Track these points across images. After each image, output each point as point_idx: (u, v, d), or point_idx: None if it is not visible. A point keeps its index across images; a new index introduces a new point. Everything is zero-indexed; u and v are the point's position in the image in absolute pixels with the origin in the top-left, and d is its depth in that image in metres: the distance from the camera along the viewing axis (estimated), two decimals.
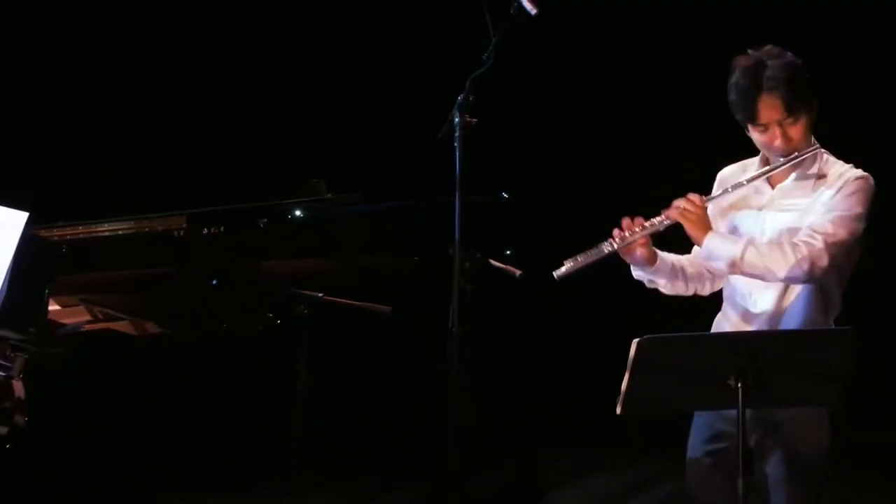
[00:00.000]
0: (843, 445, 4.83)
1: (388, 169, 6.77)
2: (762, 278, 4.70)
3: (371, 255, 5.90)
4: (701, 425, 4.88)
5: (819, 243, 4.59)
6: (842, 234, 4.63)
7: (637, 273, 4.92)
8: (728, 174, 4.96)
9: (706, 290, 5.00)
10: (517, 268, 5.87)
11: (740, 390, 4.37)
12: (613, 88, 8.44)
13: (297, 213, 5.82)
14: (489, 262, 5.81)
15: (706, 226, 4.72)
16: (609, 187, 6.76)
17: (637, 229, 4.77)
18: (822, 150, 4.78)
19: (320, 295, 5.44)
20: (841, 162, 4.78)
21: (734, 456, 4.60)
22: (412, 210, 5.86)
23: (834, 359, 4.41)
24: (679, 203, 4.74)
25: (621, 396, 4.39)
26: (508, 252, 5.90)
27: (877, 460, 7.62)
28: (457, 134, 5.20)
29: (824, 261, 4.59)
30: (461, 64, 5.26)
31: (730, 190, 4.81)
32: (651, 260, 4.86)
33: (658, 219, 4.77)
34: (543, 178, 5.17)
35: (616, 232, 4.79)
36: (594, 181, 5.18)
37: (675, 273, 4.93)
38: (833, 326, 4.79)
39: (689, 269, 4.95)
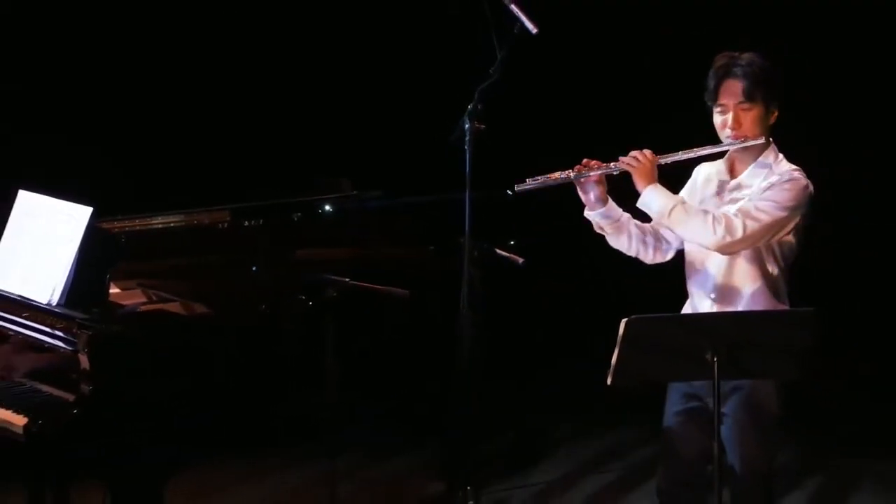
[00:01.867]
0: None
1: (407, 168, 6.80)
2: (682, 236, 4.79)
3: (391, 245, 5.96)
4: (675, 389, 4.95)
5: (738, 219, 4.65)
6: (762, 218, 4.67)
7: (588, 213, 4.93)
8: (702, 170, 4.97)
9: (648, 257, 5.01)
10: (520, 256, 5.95)
11: (715, 364, 4.41)
12: (611, 91, 8.51)
13: (327, 207, 5.86)
14: (495, 251, 5.89)
15: (650, 178, 4.74)
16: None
17: (594, 166, 4.82)
18: (775, 150, 4.81)
19: (347, 280, 5.44)
20: (789, 164, 4.81)
21: (704, 414, 4.75)
22: (427, 205, 5.92)
23: (797, 337, 4.47)
24: (634, 152, 4.78)
25: (611, 369, 4.42)
26: (512, 242, 5.96)
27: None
28: (467, 138, 5.26)
29: (736, 235, 4.64)
30: (471, 76, 5.31)
31: (680, 156, 4.79)
32: (602, 200, 4.88)
33: (613, 163, 4.81)
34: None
35: (576, 167, 4.84)
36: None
37: (622, 226, 4.93)
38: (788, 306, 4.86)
39: (635, 230, 4.95)
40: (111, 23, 8.09)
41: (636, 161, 4.76)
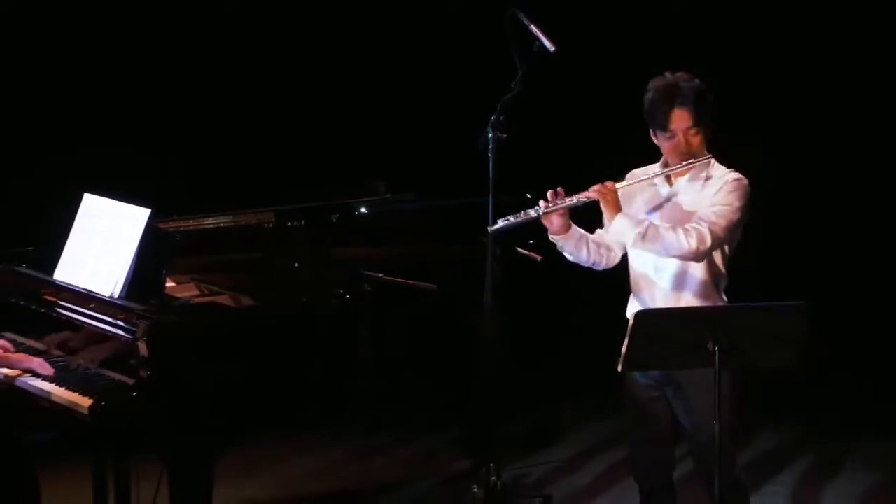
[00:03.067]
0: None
1: (436, 173, 6.80)
2: (658, 253, 4.80)
3: (420, 244, 5.95)
4: (634, 382, 4.99)
5: (704, 229, 4.71)
6: (722, 222, 4.75)
7: (552, 238, 4.96)
8: (636, 173, 5.01)
9: (601, 266, 5.05)
10: (538, 254, 5.96)
11: (716, 353, 4.43)
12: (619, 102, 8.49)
13: (362, 209, 5.88)
14: (516, 249, 5.89)
15: (617, 206, 4.80)
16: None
17: (559, 201, 4.84)
18: (712, 159, 4.86)
19: (380, 275, 5.46)
20: (724, 167, 4.88)
21: (662, 399, 4.92)
22: (454, 207, 5.91)
23: (792, 327, 4.48)
24: (596, 186, 4.81)
25: (622, 357, 4.44)
26: (531, 241, 5.97)
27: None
28: (490, 146, 5.29)
29: (707, 243, 4.71)
30: (495, 90, 5.34)
31: (639, 180, 4.89)
32: (565, 228, 4.92)
33: (578, 196, 4.83)
34: (559, 179, 5.21)
35: (542, 202, 4.85)
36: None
37: (581, 244, 4.98)
38: (723, 295, 4.93)
39: (592, 244, 5.00)
40: (171, 39, 8.15)
41: (602, 192, 4.80)
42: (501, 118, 5.29)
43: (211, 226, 5.65)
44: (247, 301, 5.30)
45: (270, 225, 5.69)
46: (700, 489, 4.90)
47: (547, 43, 5.27)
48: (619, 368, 4.48)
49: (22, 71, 7.79)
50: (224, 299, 5.33)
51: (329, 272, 5.54)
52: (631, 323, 4.39)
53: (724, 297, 4.94)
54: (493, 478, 5.69)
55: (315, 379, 5.22)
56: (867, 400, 7.93)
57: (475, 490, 5.77)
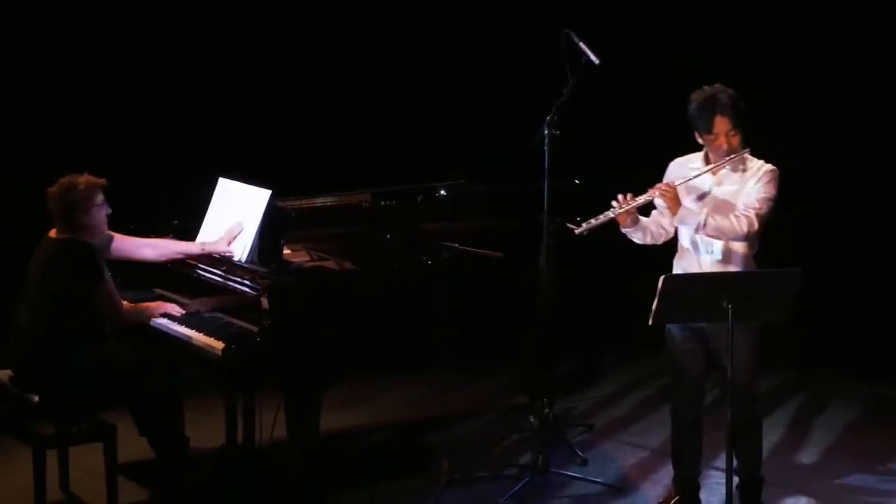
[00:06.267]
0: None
1: (503, 163, 6.77)
2: (714, 236, 4.84)
3: (489, 220, 5.94)
4: (677, 332, 5.02)
5: (752, 215, 4.78)
6: (764, 207, 4.81)
7: (624, 229, 5.01)
8: (678, 162, 5.05)
9: (660, 242, 5.10)
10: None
11: (730, 309, 4.47)
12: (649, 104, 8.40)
13: (442, 192, 5.91)
14: (566, 225, 5.90)
15: (678, 202, 4.84)
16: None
17: (630, 202, 4.88)
18: (748, 152, 4.89)
19: (455, 245, 5.48)
20: (757, 160, 4.92)
21: (701, 348, 4.94)
22: (517, 190, 5.90)
23: (787, 288, 4.53)
24: (659, 186, 4.87)
25: (652, 313, 4.47)
26: (578, 218, 5.97)
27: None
28: (546, 141, 5.33)
29: (755, 226, 4.77)
30: (549, 95, 5.36)
31: (692, 177, 4.90)
32: (635, 223, 4.98)
33: (644, 196, 4.88)
34: (601, 168, 5.16)
35: (615, 203, 4.89)
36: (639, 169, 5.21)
37: (646, 232, 5.04)
38: (753, 260, 4.94)
39: (653, 228, 5.05)
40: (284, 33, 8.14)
41: (664, 192, 4.86)
42: (555, 118, 5.31)
43: (319, 205, 5.67)
44: (348, 265, 5.34)
45: (367, 204, 5.71)
46: (722, 424, 4.85)
47: (593, 57, 5.28)
48: (650, 322, 4.51)
49: (175, 80, 7.83)
50: (330, 264, 5.36)
51: (414, 242, 5.55)
52: (660, 286, 4.42)
53: (754, 263, 4.97)
54: (546, 410, 5.74)
55: (402, 329, 5.24)
56: (852, 350, 7.86)
57: (532, 420, 5.80)
